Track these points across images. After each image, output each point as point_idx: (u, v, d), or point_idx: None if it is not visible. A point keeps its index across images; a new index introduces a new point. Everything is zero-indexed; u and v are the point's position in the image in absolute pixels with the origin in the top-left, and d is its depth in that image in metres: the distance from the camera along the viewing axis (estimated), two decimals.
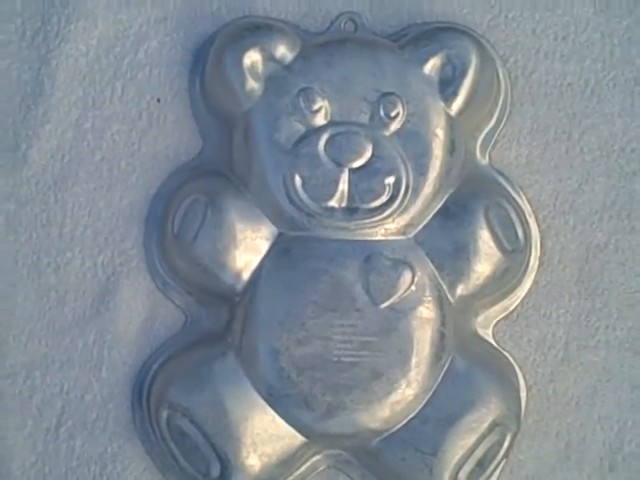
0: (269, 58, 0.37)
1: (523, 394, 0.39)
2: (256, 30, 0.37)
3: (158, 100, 0.40)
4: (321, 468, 0.39)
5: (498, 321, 0.40)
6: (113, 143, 0.40)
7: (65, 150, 0.40)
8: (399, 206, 0.36)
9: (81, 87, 0.40)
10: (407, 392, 0.36)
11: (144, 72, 0.40)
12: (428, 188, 0.37)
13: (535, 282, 0.40)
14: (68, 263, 0.39)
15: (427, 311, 0.36)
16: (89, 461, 0.39)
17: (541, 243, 0.40)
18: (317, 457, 0.38)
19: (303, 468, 0.38)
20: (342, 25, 0.39)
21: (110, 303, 0.39)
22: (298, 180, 0.36)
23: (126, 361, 0.39)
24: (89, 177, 0.40)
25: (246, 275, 0.37)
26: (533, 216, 0.40)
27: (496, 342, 0.40)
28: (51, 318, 0.39)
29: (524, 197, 0.40)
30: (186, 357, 0.38)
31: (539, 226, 0.40)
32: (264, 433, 0.36)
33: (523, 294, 0.40)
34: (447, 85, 0.37)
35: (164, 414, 0.37)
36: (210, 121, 0.40)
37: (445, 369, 0.37)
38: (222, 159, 0.39)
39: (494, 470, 0.38)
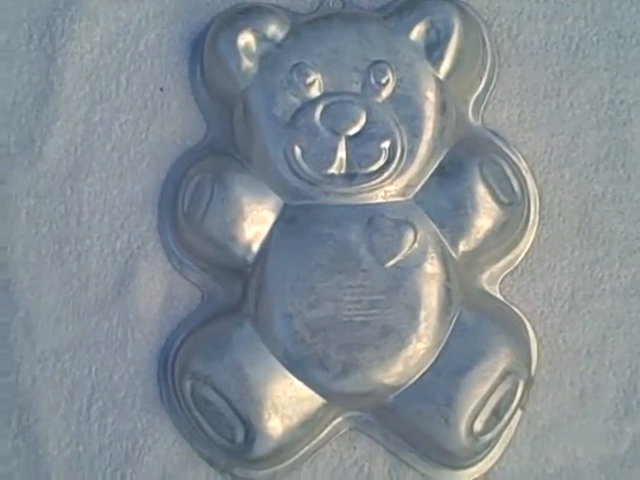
0: (261, 38, 0.38)
1: (534, 346, 0.40)
2: (247, 13, 0.39)
3: (161, 89, 0.42)
4: (343, 431, 0.40)
5: (504, 277, 0.41)
6: (122, 133, 0.42)
7: (77, 143, 0.42)
8: (396, 168, 0.38)
9: (88, 83, 0.42)
10: (418, 346, 0.37)
11: (146, 64, 0.42)
12: (423, 149, 0.38)
13: (537, 236, 0.41)
14: (88, 250, 0.41)
15: (431, 267, 0.38)
16: (121, 438, 0.40)
17: (540, 198, 0.41)
18: (338, 420, 0.40)
19: (325, 431, 0.40)
20: (331, 4, 0.41)
21: (130, 285, 0.41)
22: (298, 151, 0.38)
23: (149, 340, 0.41)
24: (102, 167, 0.42)
25: (255, 246, 0.38)
26: (530, 172, 0.41)
27: (504, 297, 0.41)
28: (75, 304, 0.41)
29: (519, 154, 0.41)
30: (205, 330, 0.39)
31: (536, 181, 0.41)
32: (284, 396, 0.38)
33: (526, 249, 0.41)
34: (433, 49, 0.38)
35: (188, 384, 0.38)
36: (212, 105, 0.41)
37: (454, 323, 0.38)
38: (226, 139, 0.40)
39: (510, 419, 0.39)
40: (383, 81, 0.38)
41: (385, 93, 0.38)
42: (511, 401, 0.38)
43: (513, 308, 0.41)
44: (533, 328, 0.41)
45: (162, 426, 0.40)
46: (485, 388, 0.37)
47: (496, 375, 0.37)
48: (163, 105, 0.42)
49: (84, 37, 0.42)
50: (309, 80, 0.38)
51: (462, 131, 0.40)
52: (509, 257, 0.41)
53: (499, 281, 0.41)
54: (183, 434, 0.40)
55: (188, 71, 0.42)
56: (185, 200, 0.39)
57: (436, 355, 0.38)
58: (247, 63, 0.38)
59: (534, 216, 0.41)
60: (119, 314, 0.41)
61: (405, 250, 0.37)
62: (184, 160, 0.41)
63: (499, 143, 0.41)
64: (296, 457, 0.39)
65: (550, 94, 0.42)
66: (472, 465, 0.39)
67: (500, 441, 0.40)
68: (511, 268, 0.41)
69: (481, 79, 0.41)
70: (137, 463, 0.40)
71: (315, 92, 0.38)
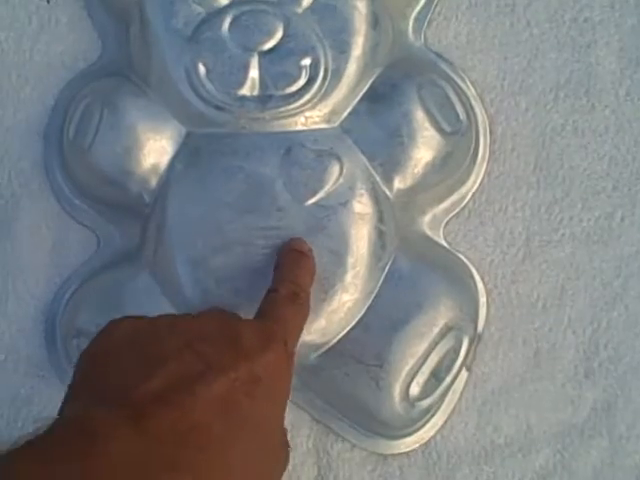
0: None
1: (482, 299, 0.36)
2: None
3: (48, 1, 0.37)
4: None
5: (449, 220, 0.37)
6: (1, 53, 0.37)
7: None
8: (319, 90, 0.33)
9: None
10: (344, 298, 0.33)
11: None
12: (351, 67, 0.33)
13: (487, 173, 0.37)
14: None
15: (360, 206, 0.33)
16: (1, 406, 0.36)
17: (490, 130, 0.37)
18: None
19: None
20: None
21: (11, 230, 0.36)
22: (202, 69, 0.33)
23: (34, 293, 0.36)
24: None
25: (154, 181, 0.34)
26: (479, 100, 0.37)
27: (448, 244, 0.36)
28: None
29: (467, 80, 0.37)
30: (96, 281, 0.35)
31: (486, 110, 0.37)
32: None
33: (474, 188, 0.37)
34: None
35: (74, 342, 0.34)
36: (107, 20, 0.37)
37: (387, 270, 0.33)
38: (123, 60, 0.35)
39: (453, 382, 0.34)
40: None
41: (306, 2, 0.33)
42: (454, 361, 0.34)
43: (459, 256, 0.36)
44: (482, 279, 0.36)
45: (50, 393, 0.36)
46: (422, 346, 0.33)
47: (435, 331, 0.33)
48: (50, 19, 0.37)
49: None
50: None
51: (399, 52, 0.35)
52: (454, 197, 0.36)
53: (443, 225, 0.36)
54: None
55: None
56: (71, 127, 0.34)
57: (365, 308, 0.33)
58: None
59: (483, 150, 0.36)
60: None
61: (329, 186, 0.33)
62: (75, 84, 0.36)
63: (444, 66, 0.37)
64: None
65: (504, 10, 0.37)
66: (410, 434, 0.35)
67: (442, 407, 0.36)
68: (457, 210, 0.37)
69: None
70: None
71: (223, 0, 0.33)
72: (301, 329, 0.29)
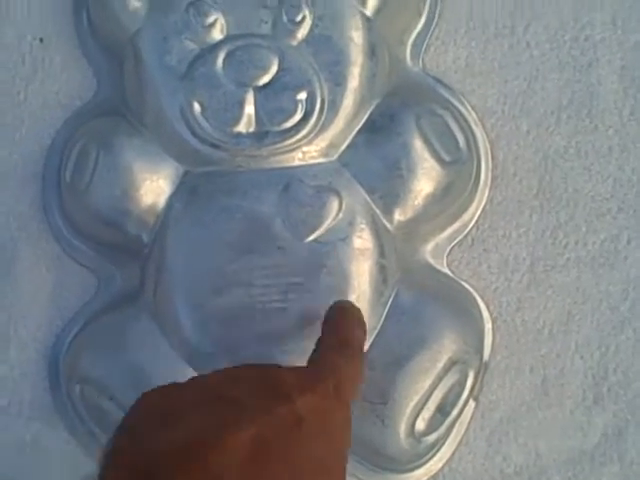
0: None
1: (488, 326, 0.36)
2: None
3: (41, 40, 0.37)
4: None
5: (452, 248, 0.36)
6: None
7: None
8: (315, 124, 0.32)
9: None
10: None
11: (22, 9, 0.37)
12: (348, 100, 0.33)
13: (489, 199, 0.36)
14: None
15: (360, 241, 0.32)
16: (6, 451, 0.36)
17: (492, 154, 0.36)
18: None
19: None
20: None
21: (11, 273, 0.36)
22: (197, 107, 0.32)
23: (36, 336, 0.36)
24: None
25: (152, 221, 0.33)
26: (480, 124, 0.36)
27: (452, 272, 0.36)
28: None
29: (467, 104, 0.36)
30: (98, 323, 0.35)
31: (487, 135, 0.36)
32: None
33: (477, 215, 0.36)
34: None
35: (76, 389, 0.34)
36: (102, 57, 0.36)
37: (389, 305, 0.33)
38: (119, 98, 0.35)
39: (459, 414, 0.34)
40: (297, 19, 0.33)
41: (300, 34, 0.33)
42: (459, 394, 0.34)
43: (463, 284, 0.36)
44: (487, 307, 0.36)
45: (55, 438, 0.36)
46: (427, 381, 0.32)
47: (440, 366, 0.33)
48: (44, 59, 0.37)
49: None
50: (209, 20, 0.33)
51: (398, 79, 0.35)
52: (456, 225, 0.36)
53: (446, 253, 0.36)
54: (81, 447, 0.35)
55: (73, 18, 0.37)
56: (68, 170, 0.34)
57: (369, 344, 0.33)
58: (134, 2, 0.33)
59: (485, 176, 0.36)
60: None
61: (328, 222, 0.32)
62: (71, 123, 0.36)
63: (443, 91, 0.36)
64: None
65: (502, 32, 0.37)
66: (418, 467, 0.35)
67: (450, 438, 0.35)
68: (460, 238, 0.36)
69: (420, 16, 0.36)
70: None
71: (216, 35, 0.33)
72: (356, 380, 0.28)
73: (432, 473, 0.35)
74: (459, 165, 0.34)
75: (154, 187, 0.33)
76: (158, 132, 0.33)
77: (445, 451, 0.35)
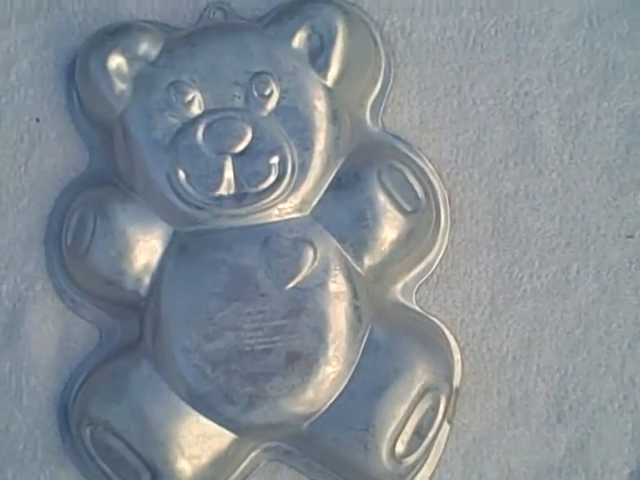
0: (133, 58, 0.36)
1: (457, 356, 0.38)
2: (115, 32, 0.36)
3: (37, 120, 0.39)
4: (262, 464, 0.38)
5: (419, 287, 0.39)
6: None
7: None
8: (288, 184, 0.36)
9: None
10: (328, 370, 0.35)
11: (19, 94, 0.40)
12: (315, 161, 0.36)
13: (450, 241, 0.39)
14: None
15: (335, 285, 0.35)
16: None
17: (449, 201, 0.39)
18: (255, 452, 0.37)
19: (243, 466, 0.37)
20: (211, 15, 0.39)
21: (21, 330, 0.39)
22: (182, 174, 0.35)
23: (46, 386, 0.38)
24: None
25: (147, 278, 0.36)
26: (436, 175, 0.39)
27: (421, 308, 0.39)
28: None
29: (424, 157, 0.39)
30: (102, 371, 0.37)
31: (444, 184, 0.39)
32: (189, 435, 0.35)
33: (440, 255, 0.39)
34: (317, 56, 0.36)
35: (87, 431, 0.36)
36: (93, 133, 0.39)
37: (365, 341, 0.36)
38: (110, 168, 0.38)
39: (435, 437, 0.37)
40: (266, 93, 0.36)
41: (270, 106, 0.36)
42: (434, 418, 0.36)
43: (431, 318, 0.39)
44: (455, 338, 0.38)
45: (67, 478, 0.38)
46: (403, 408, 0.35)
47: (414, 393, 0.35)
48: (41, 137, 0.40)
49: None
50: (188, 98, 0.36)
51: (360, 138, 0.38)
52: (422, 265, 0.39)
53: (414, 291, 0.39)
54: None
55: (65, 99, 0.40)
56: (68, 236, 0.37)
57: (349, 377, 0.35)
58: (120, 86, 0.36)
59: (445, 221, 0.39)
60: (11, 361, 0.38)
61: (305, 270, 0.35)
62: (68, 193, 0.39)
63: (402, 147, 0.39)
64: None
65: (451, 92, 0.40)
66: None
67: (429, 459, 0.37)
68: (426, 277, 0.39)
69: (376, 82, 0.39)
70: None
71: (195, 110, 0.36)
72: None
73: None
74: (419, 213, 0.37)
75: (147, 247, 0.36)
76: (148, 197, 0.36)
77: (425, 471, 0.37)
